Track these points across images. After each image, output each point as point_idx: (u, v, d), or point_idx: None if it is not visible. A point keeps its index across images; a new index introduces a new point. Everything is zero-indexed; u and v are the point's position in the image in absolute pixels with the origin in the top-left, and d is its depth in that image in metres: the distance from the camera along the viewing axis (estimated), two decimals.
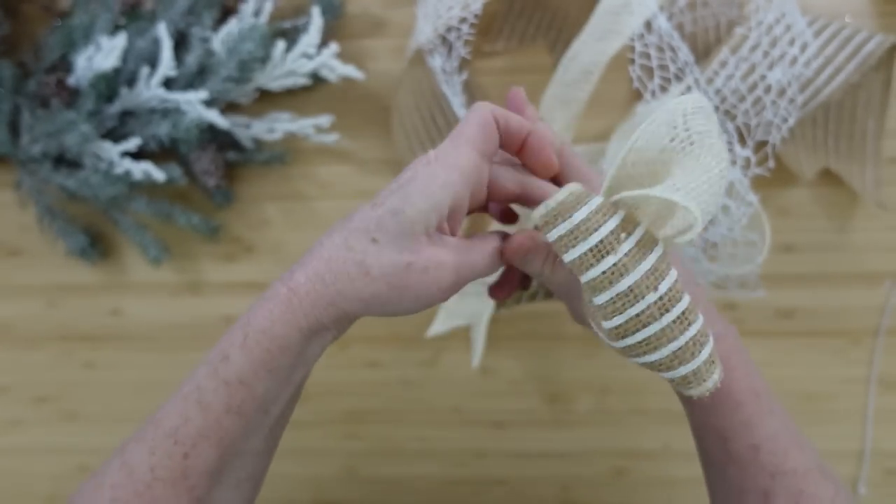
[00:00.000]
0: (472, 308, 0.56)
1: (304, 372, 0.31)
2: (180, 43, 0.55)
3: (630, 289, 0.25)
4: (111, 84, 0.54)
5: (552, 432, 0.58)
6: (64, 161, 0.57)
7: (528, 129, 0.31)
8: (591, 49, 0.49)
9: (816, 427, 0.56)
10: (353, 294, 0.28)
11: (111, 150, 0.54)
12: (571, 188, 0.26)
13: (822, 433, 0.56)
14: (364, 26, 0.59)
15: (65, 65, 0.56)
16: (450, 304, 0.56)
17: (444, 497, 0.59)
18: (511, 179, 0.32)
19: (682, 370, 0.25)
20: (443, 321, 0.56)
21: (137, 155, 0.56)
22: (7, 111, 0.56)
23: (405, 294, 0.28)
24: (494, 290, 0.37)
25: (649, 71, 0.48)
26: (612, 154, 0.51)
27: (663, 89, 0.47)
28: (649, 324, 0.25)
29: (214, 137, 0.57)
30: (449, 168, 0.29)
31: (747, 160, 0.48)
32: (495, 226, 0.54)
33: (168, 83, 0.54)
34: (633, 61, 0.47)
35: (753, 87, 0.48)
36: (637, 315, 0.25)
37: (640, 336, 0.25)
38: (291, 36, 0.56)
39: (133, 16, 0.56)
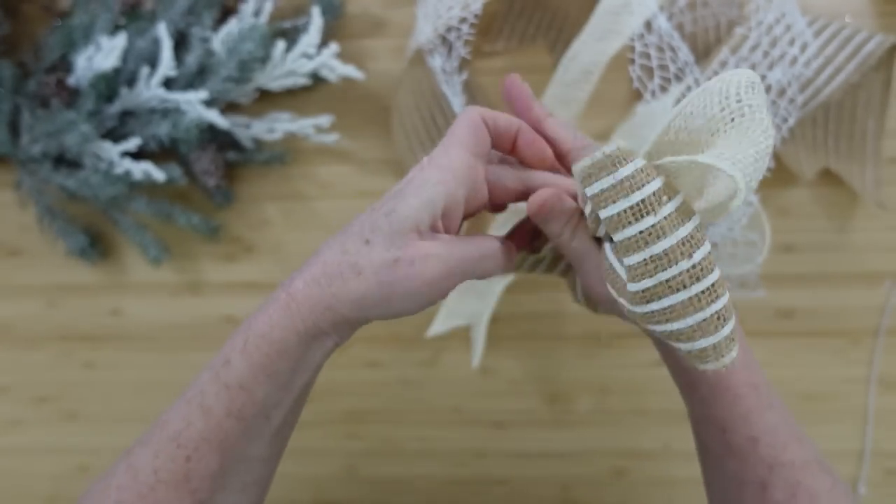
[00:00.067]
0: (472, 308, 0.56)
1: (305, 379, 0.31)
2: (180, 43, 0.55)
3: (665, 252, 0.24)
4: (111, 84, 0.54)
5: (552, 432, 0.58)
6: (64, 161, 0.57)
7: (517, 125, 0.31)
8: (591, 49, 0.49)
9: (816, 427, 0.56)
10: (346, 295, 0.28)
11: (111, 150, 0.54)
12: (618, 143, 0.25)
13: (822, 433, 0.56)
14: (364, 26, 0.59)
15: (65, 65, 0.56)
16: (450, 304, 0.56)
17: (444, 497, 0.59)
18: (511, 177, 0.32)
19: (702, 343, 0.25)
20: (443, 321, 0.56)
21: (137, 155, 0.56)
22: (7, 111, 0.56)
23: (394, 290, 0.28)
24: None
25: (649, 71, 0.48)
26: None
27: (663, 89, 0.47)
28: (678, 291, 0.25)
29: (214, 137, 0.57)
30: (441, 169, 0.29)
31: None
32: (494, 229, 0.54)
33: (168, 83, 0.54)
34: (633, 61, 0.47)
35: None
36: (667, 280, 0.25)
37: (666, 302, 0.25)
38: (291, 36, 0.56)
39: (133, 16, 0.56)
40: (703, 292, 0.25)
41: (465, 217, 0.33)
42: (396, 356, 0.59)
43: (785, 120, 0.50)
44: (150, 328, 0.61)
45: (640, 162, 0.25)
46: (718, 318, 0.25)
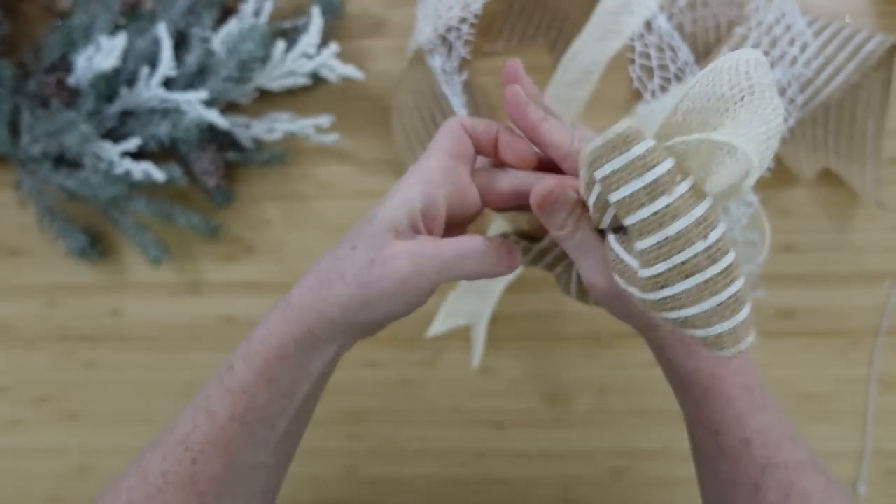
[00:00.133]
0: (472, 308, 0.56)
1: (307, 388, 0.31)
2: (180, 43, 0.55)
3: (679, 234, 0.23)
4: (111, 84, 0.54)
5: (552, 432, 0.58)
6: (64, 161, 0.57)
7: (496, 128, 0.31)
8: (591, 49, 0.49)
9: (816, 427, 0.56)
10: (333, 299, 0.29)
11: (111, 150, 0.54)
12: (629, 122, 0.24)
13: (822, 433, 0.56)
14: (364, 26, 0.59)
15: (65, 65, 0.56)
16: (450, 304, 0.56)
17: (444, 497, 0.59)
18: (501, 179, 0.32)
19: (719, 328, 0.24)
20: (443, 321, 0.56)
21: (137, 155, 0.56)
22: (7, 111, 0.56)
23: (371, 291, 0.28)
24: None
25: (649, 71, 0.48)
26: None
27: (663, 89, 0.47)
28: (694, 274, 0.23)
29: (214, 137, 0.57)
30: (420, 172, 0.30)
31: None
32: (492, 230, 0.54)
33: (168, 83, 0.54)
34: (633, 61, 0.47)
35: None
36: (683, 263, 0.23)
37: (681, 287, 0.24)
38: (291, 36, 0.56)
39: (133, 16, 0.56)
40: (719, 275, 0.23)
41: (463, 222, 0.33)
42: (396, 356, 0.59)
43: (785, 120, 0.50)
44: (150, 328, 0.61)
45: (651, 141, 0.24)
46: (735, 302, 0.24)
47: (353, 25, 0.59)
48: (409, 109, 0.55)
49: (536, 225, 0.39)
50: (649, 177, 0.23)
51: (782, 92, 0.49)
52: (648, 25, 0.48)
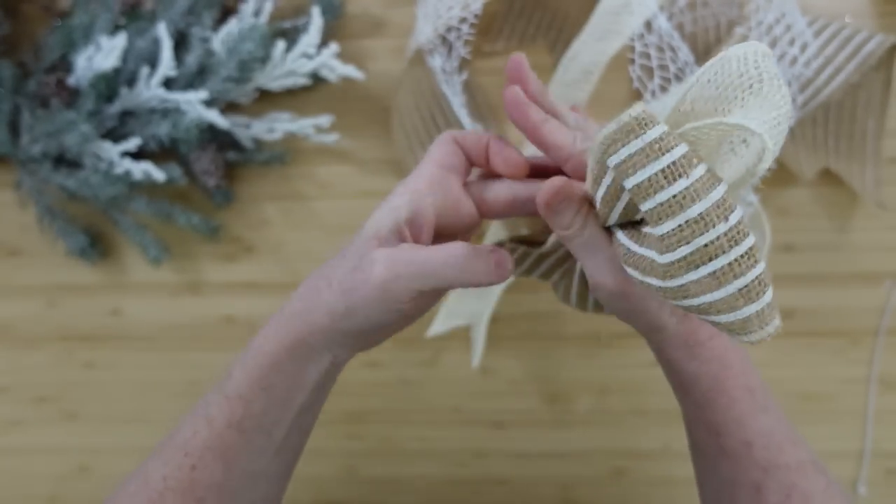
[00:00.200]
0: (472, 308, 0.56)
1: (303, 398, 0.31)
2: (180, 43, 0.55)
3: (701, 216, 0.23)
4: (111, 84, 0.54)
5: (552, 432, 0.58)
6: (64, 161, 0.57)
7: (486, 138, 0.31)
8: (591, 49, 0.49)
9: (816, 427, 0.56)
10: (321, 306, 0.29)
11: (111, 150, 0.54)
12: (643, 106, 0.24)
13: (822, 433, 0.56)
14: (364, 26, 0.59)
15: (65, 65, 0.56)
16: (450, 304, 0.56)
17: (444, 497, 0.59)
18: (496, 190, 0.32)
19: (746, 311, 0.24)
20: (443, 321, 0.56)
21: (137, 155, 0.56)
22: (7, 111, 0.56)
23: (352, 298, 0.28)
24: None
25: (649, 71, 0.48)
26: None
27: (663, 89, 0.47)
28: (717, 256, 0.23)
29: (214, 137, 0.57)
30: (409, 182, 0.30)
31: None
32: (488, 238, 0.54)
33: (168, 83, 0.54)
34: (633, 61, 0.47)
35: None
36: (705, 245, 0.23)
37: (705, 270, 0.23)
38: (291, 36, 0.56)
39: (133, 16, 0.56)
40: (742, 256, 0.23)
41: (460, 233, 0.33)
42: (396, 356, 0.59)
43: None
44: (150, 328, 0.61)
45: (665, 126, 0.24)
46: (760, 284, 0.23)
47: (353, 25, 0.59)
48: (409, 109, 0.55)
49: (537, 228, 0.39)
50: (666, 159, 0.23)
51: None
52: (648, 25, 0.48)
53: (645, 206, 0.24)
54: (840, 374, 0.56)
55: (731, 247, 0.23)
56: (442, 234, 0.31)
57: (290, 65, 0.54)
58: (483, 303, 0.56)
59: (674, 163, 0.23)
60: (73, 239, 0.58)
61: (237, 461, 0.31)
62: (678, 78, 0.47)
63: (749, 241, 0.23)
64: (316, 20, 0.53)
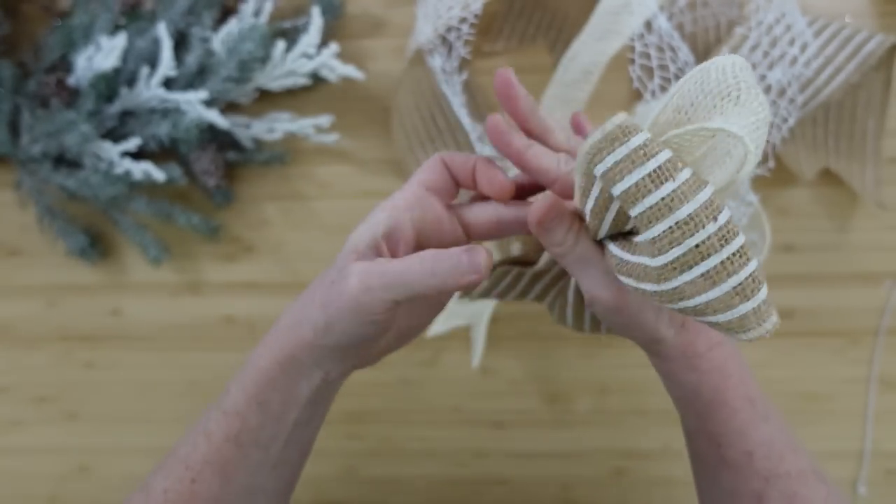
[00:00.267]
0: (472, 308, 0.56)
1: (297, 413, 0.32)
2: (180, 43, 0.55)
3: (690, 217, 0.23)
4: (111, 84, 0.54)
5: (552, 432, 0.58)
6: (64, 161, 0.57)
7: (473, 160, 0.31)
8: (591, 49, 0.49)
9: (816, 427, 0.56)
10: (306, 322, 0.30)
11: (111, 150, 0.54)
12: (624, 115, 0.25)
13: (822, 433, 0.56)
14: (364, 26, 0.59)
15: (65, 65, 0.56)
16: (450, 304, 0.56)
17: (444, 497, 0.59)
18: (481, 212, 0.32)
19: (742, 308, 0.24)
20: (443, 321, 0.56)
21: (137, 155, 0.56)
22: (7, 111, 0.56)
23: (330, 311, 0.29)
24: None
25: (649, 71, 0.48)
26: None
27: (663, 89, 0.47)
28: (710, 255, 0.23)
29: (214, 137, 0.57)
30: (391, 198, 0.30)
31: None
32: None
33: (168, 83, 0.54)
34: (633, 61, 0.47)
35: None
36: (697, 246, 0.23)
37: (699, 270, 0.24)
38: (291, 36, 0.56)
39: (133, 16, 0.56)
40: (734, 254, 0.24)
41: None
42: (396, 356, 0.59)
43: (785, 120, 0.50)
44: (150, 328, 0.61)
45: (648, 133, 0.25)
46: (754, 281, 0.24)
47: (353, 25, 0.59)
48: (409, 109, 0.55)
49: (529, 247, 0.40)
50: (652, 164, 0.24)
51: (782, 92, 0.49)
52: (648, 25, 0.48)
53: (634, 212, 0.24)
54: (840, 374, 0.56)
55: (722, 246, 0.23)
56: None
57: (290, 65, 0.54)
58: (483, 303, 0.56)
59: (659, 167, 0.24)
60: (73, 239, 0.58)
61: (235, 475, 0.31)
62: (678, 78, 0.47)
63: (740, 240, 0.24)
64: (316, 20, 0.53)
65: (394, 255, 0.30)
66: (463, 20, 0.50)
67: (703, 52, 0.52)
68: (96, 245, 0.59)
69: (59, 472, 0.62)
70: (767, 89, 0.49)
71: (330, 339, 0.29)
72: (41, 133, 0.55)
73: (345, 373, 0.32)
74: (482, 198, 0.32)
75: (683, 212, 0.23)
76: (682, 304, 0.25)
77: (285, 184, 0.59)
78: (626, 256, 0.26)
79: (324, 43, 0.55)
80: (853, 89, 0.52)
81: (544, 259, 0.37)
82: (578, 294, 0.38)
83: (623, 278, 0.27)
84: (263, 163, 0.58)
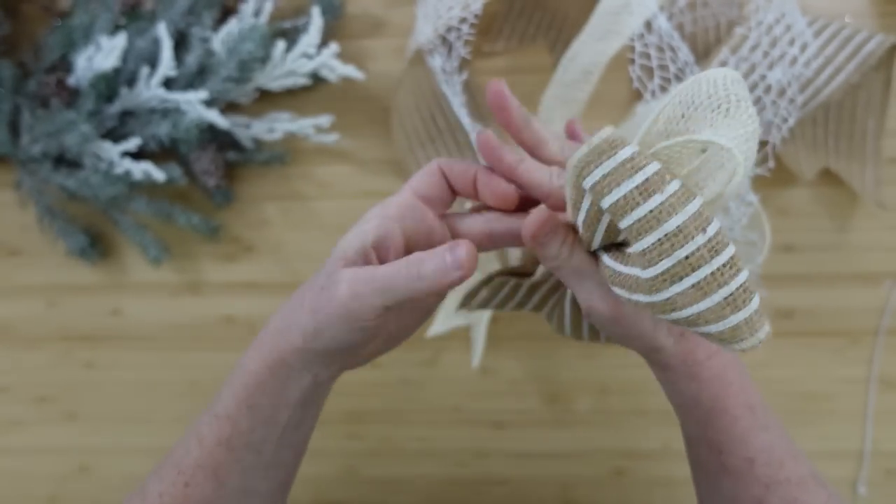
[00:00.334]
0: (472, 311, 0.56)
1: (288, 416, 0.32)
2: (180, 43, 0.55)
3: (678, 228, 0.24)
4: (111, 84, 0.54)
5: (552, 432, 0.58)
6: (64, 161, 0.57)
7: (475, 169, 0.30)
8: (591, 49, 0.49)
9: (816, 427, 0.56)
10: (295, 326, 0.30)
11: (111, 150, 0.54)
12: (611, 129, 0.25)
13: (821, 433, 0.56)
14: (364, 26, 0.59)
15: (65, 65, 0.56)
16: (449, 304, 0.56)
17: (444, 497, 0.59)
18: (472, 223, 0.32)
19: (734, 319, 0.24)
20: (443, 321, 0.56)
21: (137, 155, 0.56)
22: (7, 111, 0.56)
23: (319, 317, 0.29)
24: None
25: (649, 71, 0.48)
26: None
27: (663, 89, 0.47)
28: (700, 266, 0.24)
29: (214, 137, 0.57)
30: (382, 206, 0.30)
31: None
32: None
33: (168, 83, 0.54)
34: (633, 61, 0.47)
35: (753, 87, 0.48)
36: (686, 257, 0.24)
37: (689, 281, 0.24)
38: (291, 36, 0.56)
39: (133, 16, 0.56)
40: (724, 265, 0.24)
41: None
42: (396, 356, 0.59)
43: (785, 120, 0.50)
44: (150, 328, 0.61)
45: (636, 146, 0.25)
46: (745, 292, 0.24)
47: (353, 25, 0.59)
48: (409, 109, 0.55)
49: (528, 257, 0.40)
50: (640, 177, 0.24)
51: (782, 92, 0.49)
52: (648, 25, 0.48)
53: (623, 224, 0.24)
54: (839, 374, 0.56)
55: (712, 257, 0.24)
56: None
57: (290, 65, 0.54)
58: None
59: (647, 179, 0.24)
60: (73, 239, 0.58)
61: (228, 478, 0.31)
62: (678, 78, 0.47)
63: (730, 251, 0.24)
64: (316, 20, 0.53)
65: (382, 262, 0.30)
66: (463, 20, 0.50)
67: (703, 52, 0.52)
68: (96, 245, 0.59)
69: (59, 472, 0.62)
70: (767, 89, 0.49)
71: (319, 344, 0.29)
72: (41, 133, 0.55)
73: (334, 375, 0.33)
74: (485, 207, 0.32)
75: (672, 224, 0.24)
76: (675, 315, 0.25)
77: (285, 184, 0.59)
78: (619, 267, 0.27)
79: (324, 43, 0.55)
80: (853, 89, 0.52)
81: (541, 270, 0.37)
82: (575, 304, 0.38)
83: (616, 289, 0.27)
84: (263, 163, 0.58)
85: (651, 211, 0.24)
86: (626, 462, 0.58)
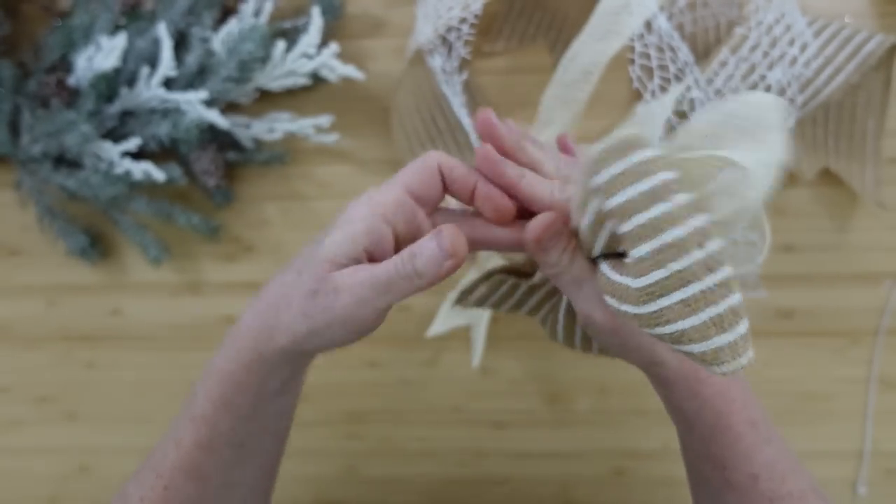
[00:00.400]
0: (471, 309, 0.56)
1: (268, 407, 0.31)
2: (180, 43, 0.55)
3: (676, 240, 0.23)
4: (111, 84, 0.54)
5: (552, 432, 0.58)
6: (64, 161, 0.57)
7: (476, 178, 0.30)
8: (591, 49, 0.49)
9: (816, 427, 0.56)
10: (282, 328, 0.29)
11: (111, 150, 0.54)
12: (634, 130, 0.24)
13: (821, 433, 0.56)
14: (364, 26, 0.59)
15: (65, 65, 0.56)
16: (450, 305, 0.56)
17: (444, 497, 0.59)
18: (460, 227, 0.31)
19: (717, 341, 0.23)
20: (443, 321, 0.56)
21: (137, 155, 0.56)
22: (7, 111, 0.56)
23: (317, 321, 0.28)
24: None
25: (649, 71, 0.48)
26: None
27: (663, 89, 0.47)
28: (691, 282, 0.23)
29: (214, 137, 0.57)
30: (371, 203, 0.29)
31: None
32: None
33: (168, 83, 0.54)
34: (633, 61, 0.47)
35: (753, 87, 0.49)
36: (679, 271, 0.23)
37: (677, 296, 0.23)
38: (291, 36, 0.56)
39: (133, 16, 0.56)
40: (717, 285, 0.23)
41: None
42: (396, 356, 0.59)
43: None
44: (150, 328, 0.61)
45: (653, 151, 0.24)
46: (733, 315, 0.23)
47: (353, 25, 0.59)
48: (409, 109, 0.55)
49: (529, 259, 0.39)
50: (648, 183, 0.23)
51: (782, 92, 0.49)
52: (648, 25, 0.48)
53: (624, 228, 0.24)
54: (839, 374, 0.56)
55: (705, 274, 0.23)
56: None
57: (290, 65, 0.54)
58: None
59: (655, 187, 0.23)
60: (73, 239, 0.58)
61: (210, 477, 0.31)
62: (678, 78, 0.47)
63: (725, 272, 0.23)
64: (316, 20, 0.53)
65: (374, 262, 0.29)
66: (463, 20, 0.50)
67: (703, 52, 0.52)
68: (96, 245, 0.59)
69: (59, 472, 0.62)
70: (767, 89, 0.49)
71: (311, 345, 0.29)
72: (41, 133, 0.55)
73: (309, 363, 0.32)
74: (476, 215, 0.31)
75: (670, 235, 0.23)
76: (660, 330, 0.25)
77: (285, 184, 0.59)
78: (613, 276, 0.26)
79: (324, 43, 0.55)
80: (853, 89, 0.52)
81: (540, 274, 0.37)
82: (569, 313, 0.38)
83: (607, 298, 0.27)
84: (263, 163, 0.58)
85: (653, 218, 0.23)
86: (626, 462, 0.58)
